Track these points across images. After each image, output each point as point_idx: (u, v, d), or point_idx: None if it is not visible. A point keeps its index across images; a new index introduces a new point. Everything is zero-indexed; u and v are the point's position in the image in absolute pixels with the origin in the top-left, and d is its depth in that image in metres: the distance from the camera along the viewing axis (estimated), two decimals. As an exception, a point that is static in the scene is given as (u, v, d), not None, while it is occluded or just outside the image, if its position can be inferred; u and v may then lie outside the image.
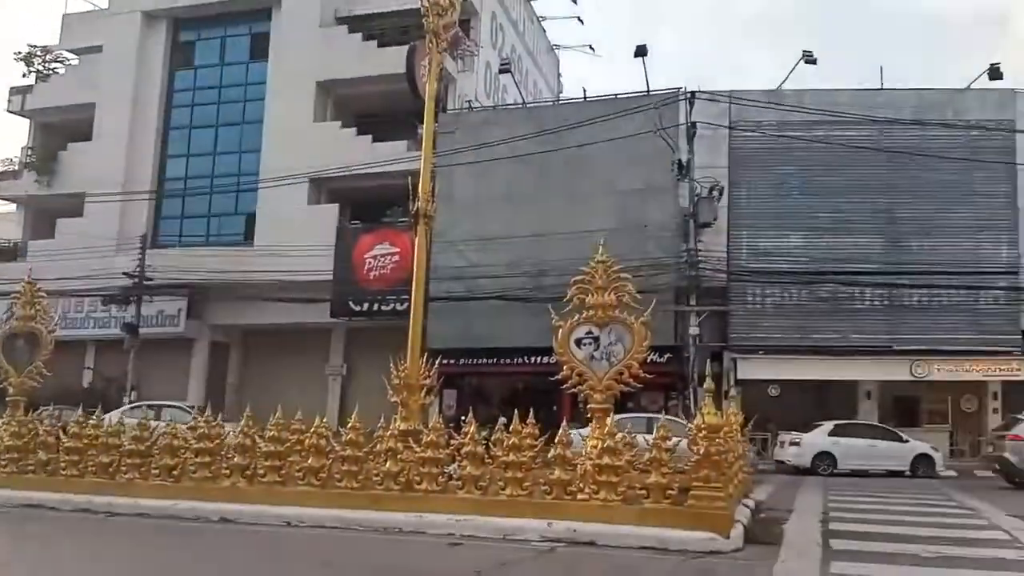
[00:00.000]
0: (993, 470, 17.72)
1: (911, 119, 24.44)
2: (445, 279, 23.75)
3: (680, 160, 24.09)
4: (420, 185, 10.54)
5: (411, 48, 24.78)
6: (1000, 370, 24.34)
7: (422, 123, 11.34)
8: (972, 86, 25.43)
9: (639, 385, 9.00)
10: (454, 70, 28.19)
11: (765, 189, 25.02)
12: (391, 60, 26.94)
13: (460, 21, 12.65)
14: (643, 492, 7.83)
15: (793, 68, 25.90)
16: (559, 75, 42.09)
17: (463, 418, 8.90)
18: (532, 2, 37.38)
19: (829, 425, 21.37)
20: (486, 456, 8.45)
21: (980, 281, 23.88)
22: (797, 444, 20.99)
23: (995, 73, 25.01)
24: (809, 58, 25.36)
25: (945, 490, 15.70)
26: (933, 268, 23.84)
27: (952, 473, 20.65)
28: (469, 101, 29.18)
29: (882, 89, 25.60)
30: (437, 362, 10.24)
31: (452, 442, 8.69)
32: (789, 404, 24.57)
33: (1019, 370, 24.00)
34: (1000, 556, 7.51)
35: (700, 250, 23.87)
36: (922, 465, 20.44)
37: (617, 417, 9.25)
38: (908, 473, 20.34)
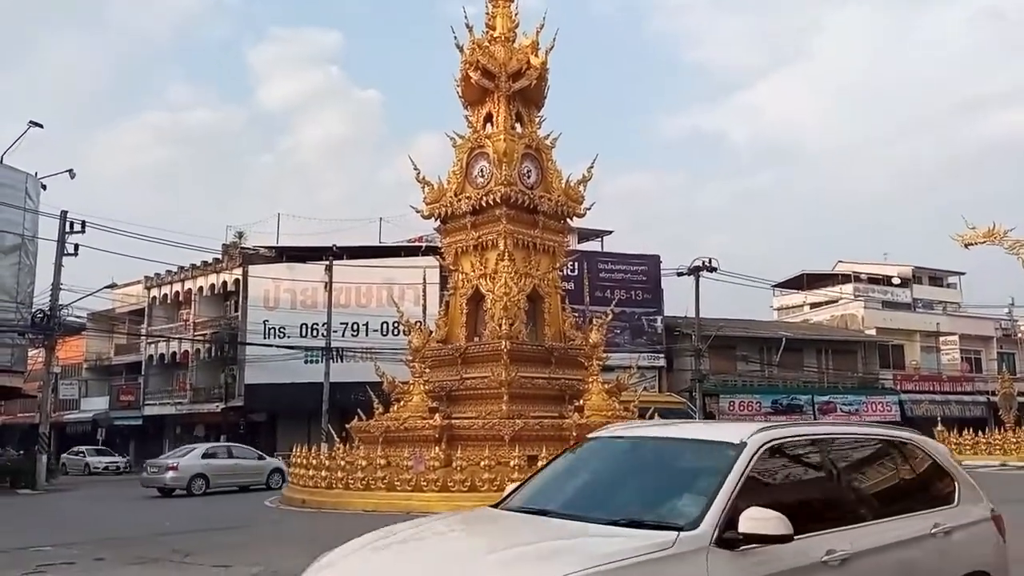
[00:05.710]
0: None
1: None
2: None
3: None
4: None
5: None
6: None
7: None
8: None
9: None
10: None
11: None
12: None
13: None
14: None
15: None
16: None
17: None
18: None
19: (201, 448, 23.22)
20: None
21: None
22: (175, 468, 21.64)
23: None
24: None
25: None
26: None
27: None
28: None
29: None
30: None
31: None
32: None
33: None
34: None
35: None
36: (276, 477, 22.67)
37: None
38: (264, 486, 22.29)
